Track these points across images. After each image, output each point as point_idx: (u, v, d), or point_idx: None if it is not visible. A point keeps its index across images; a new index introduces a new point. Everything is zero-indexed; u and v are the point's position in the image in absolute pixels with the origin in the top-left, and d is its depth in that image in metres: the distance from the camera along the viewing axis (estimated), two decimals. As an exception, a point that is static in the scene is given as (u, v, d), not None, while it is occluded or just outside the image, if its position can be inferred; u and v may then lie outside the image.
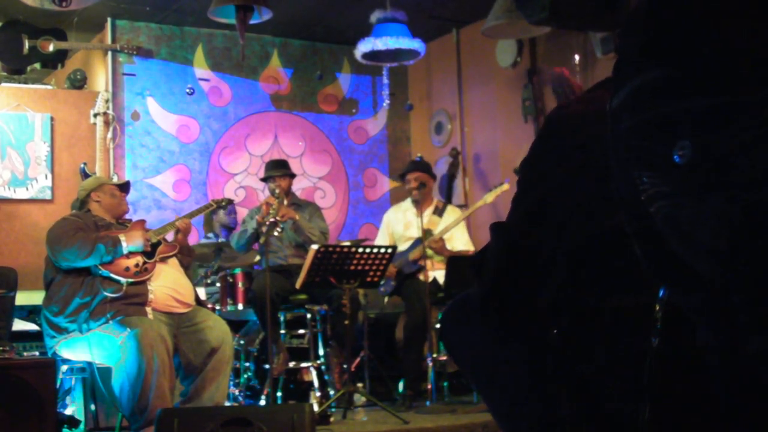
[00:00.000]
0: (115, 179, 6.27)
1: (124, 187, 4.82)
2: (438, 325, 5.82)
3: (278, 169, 5.97)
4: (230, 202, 5.81)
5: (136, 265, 4.34)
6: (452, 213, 6.21)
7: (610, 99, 1.13)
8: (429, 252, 5.77)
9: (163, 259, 4.52)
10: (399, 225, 6.19)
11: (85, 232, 4.35)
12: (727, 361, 1.07)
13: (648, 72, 1.05)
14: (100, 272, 4.27)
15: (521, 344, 1.56)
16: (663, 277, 1.15)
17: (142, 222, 4.69)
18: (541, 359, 1.50)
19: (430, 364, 5.51)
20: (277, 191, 5.73)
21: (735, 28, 0.98)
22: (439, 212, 6.14)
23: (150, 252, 4.43)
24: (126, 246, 4.32)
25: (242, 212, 7.04)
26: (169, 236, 4.73)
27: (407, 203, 6.19)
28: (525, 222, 1.45)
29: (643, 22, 1.07)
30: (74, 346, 4.23)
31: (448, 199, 7.00)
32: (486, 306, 1.56)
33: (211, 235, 6.83)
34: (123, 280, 4.27)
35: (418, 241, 5.81)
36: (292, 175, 6.06)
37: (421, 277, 5.76)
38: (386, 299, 6.27)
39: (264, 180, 6.14)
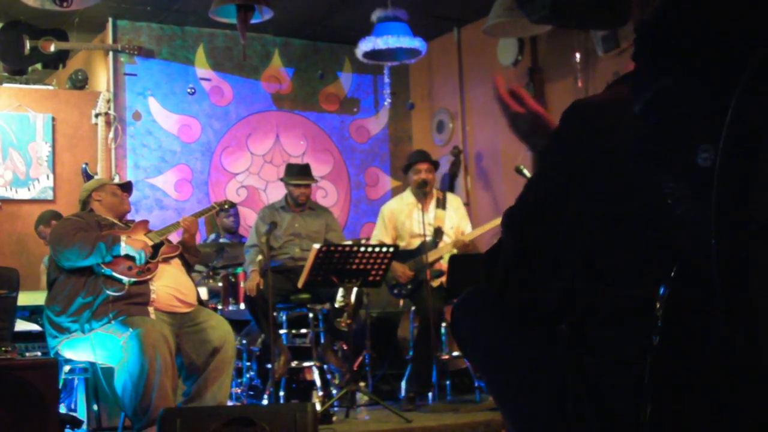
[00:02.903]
0: (116, 179, 6.27)
1: (126, 186, 4.82)
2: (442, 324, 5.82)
3: (305, 177, 5.97)
4: (232, 204, 5.79)
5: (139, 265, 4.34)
6: (454, 201, 6.13)
7: (632, 106, 1.13)
8: (445, 257, 5.76)
9: (166, 260, 4.52)
10: (403, 218, 5.98)
11: (86, 232, 4.35)
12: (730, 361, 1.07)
13: (665, 78, 1.04)
14: (103, 271, 4.27)
15: (531, 338, 1.57)
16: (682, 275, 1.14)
17: (145, 222, 4.69)
18: (551, 354, 1.51)
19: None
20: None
21: (744, 31, 0.98)
22: (441, 204, 6.00)
23: (153, 252, 4.43)
24: (124, 246, 4.31)
25: (243, 212, 7.05)
26: (172, 237, 4.73)
27: (408, 195, 6.02)
28: (539, 212, 1.45)
29: (656, 29, 1.07)
30: (76, 346, 4.23)
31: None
32: (499, 299, 1.56)
33: (213, 235, 6.85)
34: (125, 279, 4.27)
35: (432, 241, 5.77)
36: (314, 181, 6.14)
37: (434, 282, 5.69)
38: (400, 301, 6.19)
39: (285, 183, 6.04)
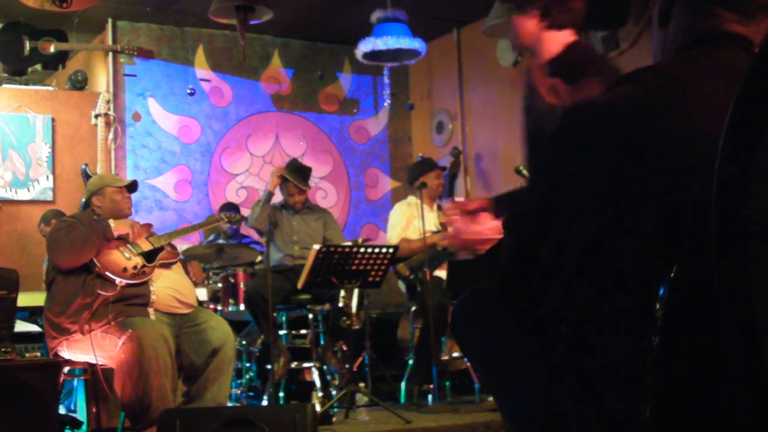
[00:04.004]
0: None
1: (129, 186, 4.77)
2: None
3: (302, 180, 5.97)
4: (239, 220, 5.80)
5: (134, 267, 4.33)
6: None
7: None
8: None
9: (164, 265, 4.51)
10: (415, 219, 6.13)
11: (78, 229, 4.34)
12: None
13: None
14: (97, 271, 4.25)
15: (532, 339, 1.57)
16: None
17: (149, 226, 4.69)
18: (550, 354, 1.51)
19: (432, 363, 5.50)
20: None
21: None
22: (440, 208, 6.24)
23: (151, 256, 4.42)
24: (113, 227, 4.35)
25: (244, 214, 7.05)
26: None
27: (412, 199, 6.15)
28: (539, 214, 1.45)
29: None
30: (76, 346, 4.23)
31: (450, 198, 7.01)
32: (499, 299, 1.56)
33: (212, 236, 6.84)
34: (118, 280, 4.26)
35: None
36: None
37: (439, 273, 5.78)
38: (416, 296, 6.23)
39: (284, 177, 6.01)
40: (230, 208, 6.62)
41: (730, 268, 1.06)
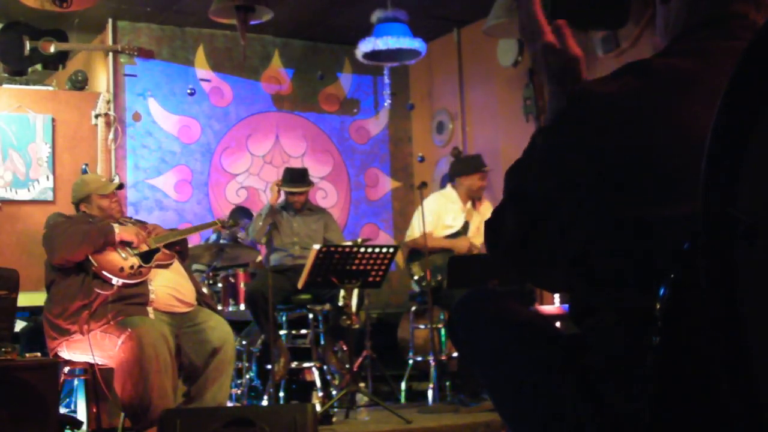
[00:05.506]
0: (116, 180, 6.27)
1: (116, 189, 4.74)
2: (439, 325, 5.82)
3: (299, 184, 5.97)
4: (233, 225, 5.81)
5: (131, 267, 4.32)
6: (486, 206, 6.29)
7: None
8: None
9: (160, 266, 4.50)
10: (447, 215, 6.14)
11: (79, 225, 4.34)
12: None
13: None
14: (94, 270, 4.25)
15: (530, 339, 1.56)
16: None
17: (155, 227, 4.68)
18: (550, 354, 1.50)
19: (432, 363, 5.51)
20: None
21: None
22: (474, 205, 6.24)
23: (147, 257, 4.42)
24: (117, 232, 4.33)
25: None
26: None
27: (451, 194, 6.18)
28: (540, 208, 1.44)
29: None
30: (76, 347, 4.23)
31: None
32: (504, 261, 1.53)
33: (213, 236, 6.84)
34: (116, 279, 4.25)
35: (456, 234, 5.96)
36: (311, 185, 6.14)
37: None
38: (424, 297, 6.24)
39: (281, 188, 6.04)
40: (242, 211, 6.61)
41: (716, 269, 1.05)
